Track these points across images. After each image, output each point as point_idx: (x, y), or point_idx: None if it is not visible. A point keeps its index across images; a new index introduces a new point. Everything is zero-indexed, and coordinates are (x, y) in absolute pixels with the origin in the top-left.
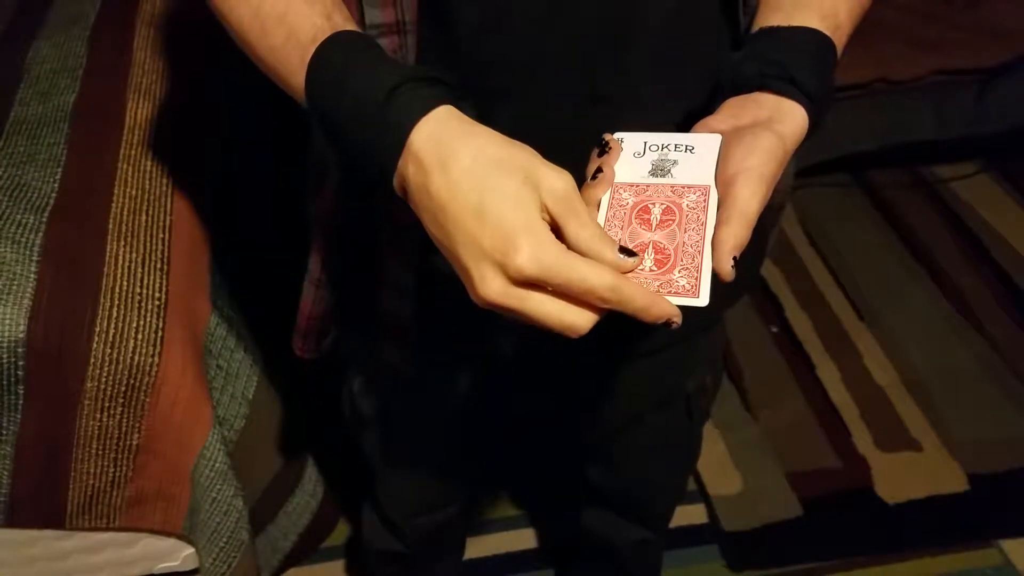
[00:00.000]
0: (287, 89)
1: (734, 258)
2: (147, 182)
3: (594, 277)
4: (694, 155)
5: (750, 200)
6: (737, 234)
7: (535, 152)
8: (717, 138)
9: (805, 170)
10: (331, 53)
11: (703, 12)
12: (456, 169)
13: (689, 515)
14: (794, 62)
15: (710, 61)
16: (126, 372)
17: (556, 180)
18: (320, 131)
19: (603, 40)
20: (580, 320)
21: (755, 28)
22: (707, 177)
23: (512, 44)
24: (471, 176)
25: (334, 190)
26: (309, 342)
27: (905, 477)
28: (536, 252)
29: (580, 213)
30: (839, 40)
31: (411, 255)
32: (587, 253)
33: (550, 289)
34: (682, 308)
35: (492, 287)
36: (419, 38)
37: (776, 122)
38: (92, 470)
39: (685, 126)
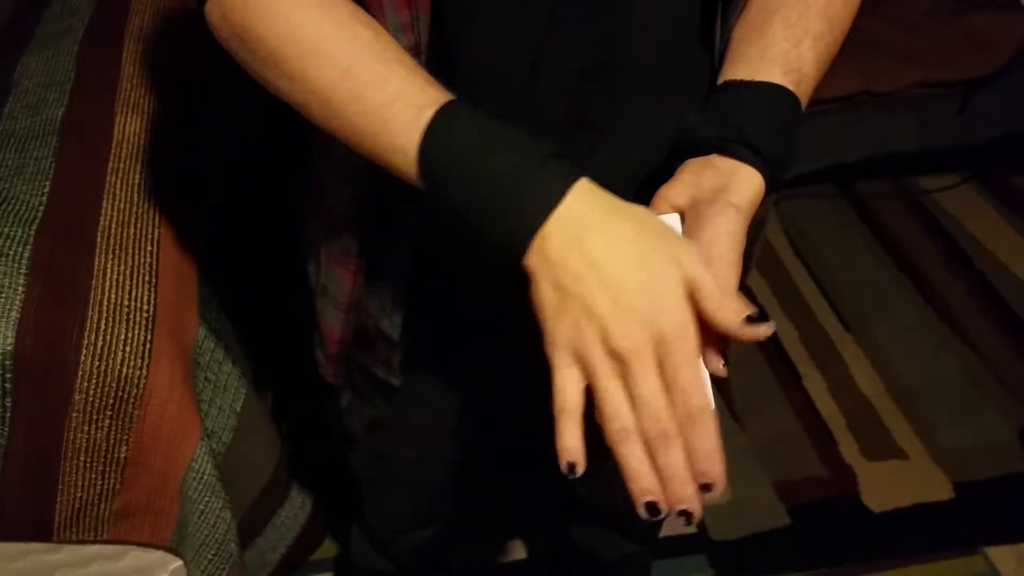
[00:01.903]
0: (372, 148)
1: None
2: (135, 195)
3: (699, 387)
4: None
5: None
6: (716, 345)
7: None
8: (675, 217)
9: (790, 181)
10: (455, 123)
11: (685, 38)
12: (616, 229)
13: (677, 524)
14: (752, 125)
15: (691, 81)
16: (114, 384)
17: (695, 258)
18: (428, 190)
19: (592, 68)
20: (575, 445)
21: (721, 78)
22: None
23: (506, 71)
24: (636, 240)
25: (345, 208)
26: (340, 367)
27: (891, 485)
28: (686, 323)
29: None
30: (804, 91)
31: (403, 269)
32: (724, 320)
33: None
34: None
35: (633, 336)
36: (427, 61)
37: (732, 193)
38: (80, 483)
39: (667, 144)
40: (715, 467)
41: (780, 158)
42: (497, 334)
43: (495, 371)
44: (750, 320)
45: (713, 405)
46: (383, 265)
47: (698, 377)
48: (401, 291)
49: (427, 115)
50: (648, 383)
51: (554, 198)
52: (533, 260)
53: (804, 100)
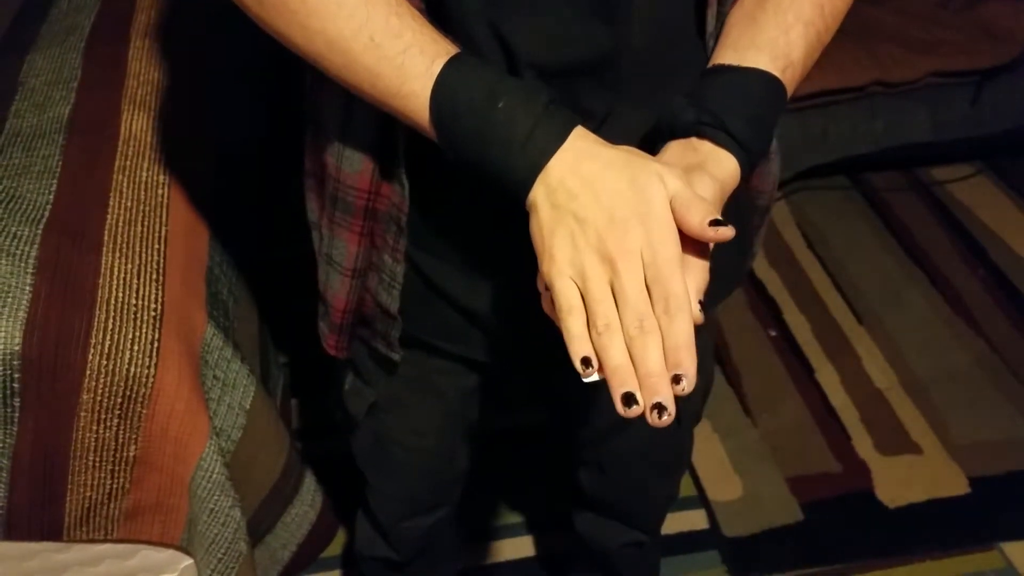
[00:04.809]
0: (385, 93)
1: (700, 301)
2: (142, 193)
3: (680, 285)
4: None
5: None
6: (697, 280)
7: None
8: None
9: (802, 173)
10: (466, 70)
11: (681, 28)
12: (608, 155)
13: (689, 521)
14: (730, 111)
15: (686, 70)
16: (122, 384)
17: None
18: (442, 127)
19: (589, 61)
20: (582, 336)
21: (711, 63)
22: None
23: (505, 60)
24: (625, 163)
25: (344, 173)
26: (343, 338)
27: (905, 480)
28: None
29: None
30: (790, 77)
31: (399, 242)
32: (692, 220)
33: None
34: None
35: (636, 237)
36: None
37: (710, 166)
38: (89, 482)
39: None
40: (686, 359)
41: (756, 143)
42: (495, 316)
43: (493, 354)
44: (714, 223)
45: (700, 315)
46: (383, 235)
47: (679, 277)
48: (400, 263)
49: (439, 63)
50: (633, 281)
51: (558, 139)
52: (536, 191)
53: (791, 86)
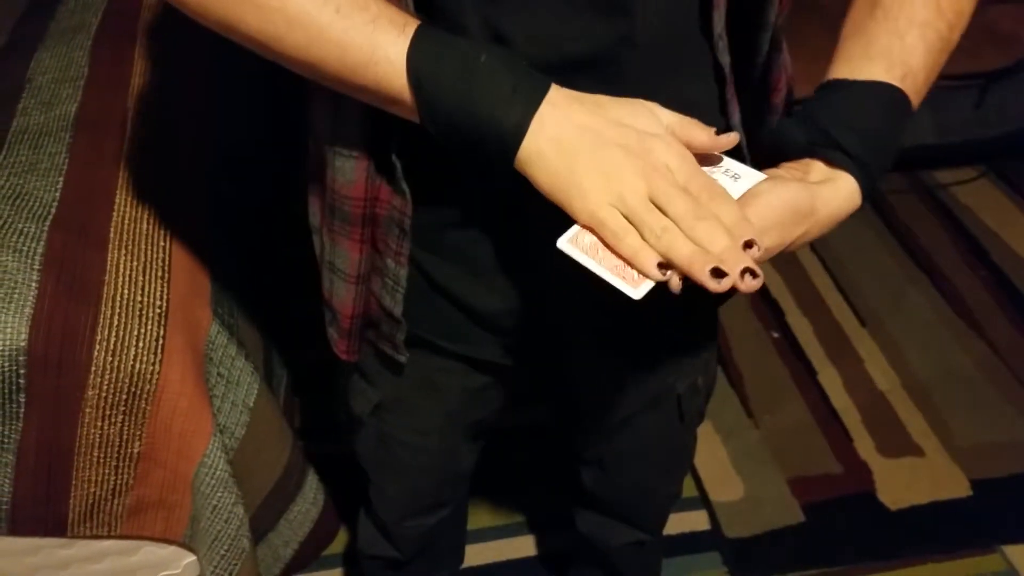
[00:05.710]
0: (356, 65)
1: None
2: (148, 191)
3: (709, 178)
4: (735, 183)
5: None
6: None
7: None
8: (760, 176)
9: None
10: (439, 35)
11: (687, 30)
12: (597, 97)
13: (690, 522)
14: (842, 126)
15: (688, 71)
16: (127, 380)
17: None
18: (422, 96)
19: (589, 57)
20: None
21: (825, 78)
22: None
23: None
24: (613, 104)
25: (342, 181)
26: (354, 342)
27: (907, 482)
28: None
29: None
30: (912, 85)
31: (403, 245)
32: (699, 138)
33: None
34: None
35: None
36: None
37: (819, 183)
38: (93, 478)
39: None
40: (747, 229)
41: (874, 158)
42: (496, 315)
43: (495, 353)
44: (718, 133)
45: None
46: (384, 239)
47: (705, 174)
48: (403, 267)
49: (411, 28)
50: (671, 186)
51: (542, 90)
52: (534, 142)
53: (916, 95)
